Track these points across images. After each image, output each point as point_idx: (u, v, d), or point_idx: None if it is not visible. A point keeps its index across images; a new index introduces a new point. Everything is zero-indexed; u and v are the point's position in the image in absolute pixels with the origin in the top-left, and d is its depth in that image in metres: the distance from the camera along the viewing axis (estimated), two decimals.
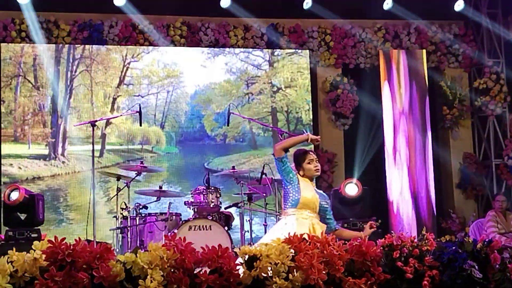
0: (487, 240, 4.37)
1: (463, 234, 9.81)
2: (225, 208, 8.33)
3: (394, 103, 10.55)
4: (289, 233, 4.14)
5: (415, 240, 4.30)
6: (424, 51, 10.85)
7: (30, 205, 8.10)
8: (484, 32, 11.12)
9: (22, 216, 8.05)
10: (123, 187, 8.16)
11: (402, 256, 4.17)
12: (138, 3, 10.00)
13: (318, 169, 5.64)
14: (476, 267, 4.20)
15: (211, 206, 7.99)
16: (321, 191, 5.79)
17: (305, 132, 5.73)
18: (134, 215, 8.07)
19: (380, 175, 10.28)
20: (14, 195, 8.00)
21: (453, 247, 4.27)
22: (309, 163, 5.61)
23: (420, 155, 10.51)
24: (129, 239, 7.94)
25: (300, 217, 5.41)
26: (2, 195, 8.21)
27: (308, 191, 5.51)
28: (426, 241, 4.33)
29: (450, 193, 11.03)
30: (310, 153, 5.69)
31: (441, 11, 10.92)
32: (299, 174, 5.59)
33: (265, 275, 3.82)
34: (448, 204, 10.94)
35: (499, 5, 11.00)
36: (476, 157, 11.14)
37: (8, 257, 3.64)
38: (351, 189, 8.66)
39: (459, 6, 10.68)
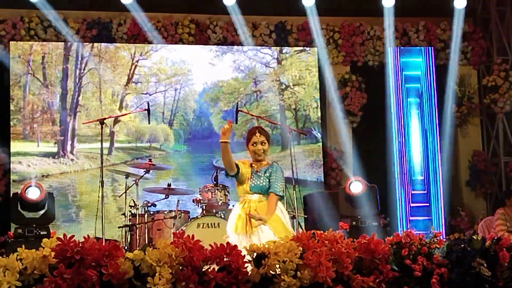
0: (496, 238, 4.36)
1: (472, 232, 9.77)
2: (233, 206, 8.31)
3: (402, 100, 10.55)
4: None
5: (424, 238, 4.29)
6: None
7: (45, 203, 8.13)
8: (493, 29, 11.08)
9: (37, 214, 8.09)
10: (132, 185, 8.19)
11: (410, 254, 4.17)
12: (147, 1, 10.00)
13: (258, 154, 5.32)
14: (485, 265, 4.19)
15: (220, 203, 8.01)
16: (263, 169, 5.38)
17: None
18: (143, 212, 8.10)
19: (389, 173, 10.26)
20: (35, 194, 8.01)
21: (462, 245, 4.26)
22: (253, 144, 5.36)
23: (428, 153, 10.50)
24: (137, 237, 7.97)
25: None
26: (20, 191, 8.21)
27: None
28: (435, 239, 4.32)
29: (459, 191, 11.00)
30: (257, 134, 5.32)
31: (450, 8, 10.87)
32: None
33: (273, 272, 3.83)
34: (457, 202, 10.91)
35: (508, 2, 10.95)
36: (485, 154, 11.11)
37: (17, 255, 3.65)
38: (356, 187, 8.65)
39: (459, 3, 10.49)
